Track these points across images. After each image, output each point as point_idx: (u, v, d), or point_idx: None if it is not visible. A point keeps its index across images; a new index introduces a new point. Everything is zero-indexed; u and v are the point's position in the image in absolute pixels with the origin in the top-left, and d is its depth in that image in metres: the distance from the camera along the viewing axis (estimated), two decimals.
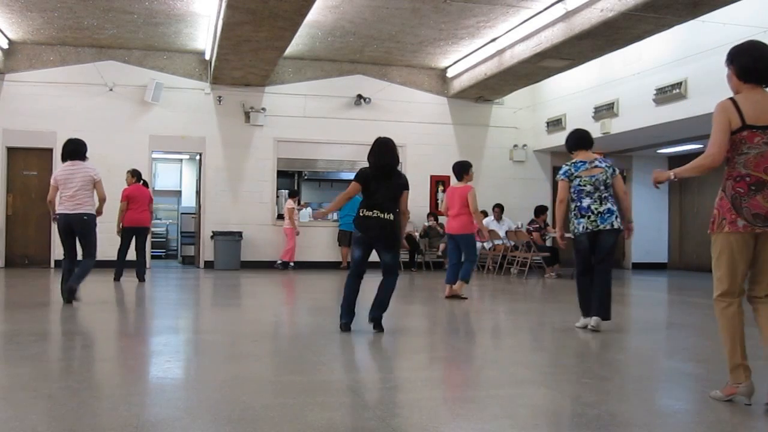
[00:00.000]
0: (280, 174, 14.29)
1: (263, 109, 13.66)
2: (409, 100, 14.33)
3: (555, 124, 14.24)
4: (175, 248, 16.98)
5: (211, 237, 13.23)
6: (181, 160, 17.26)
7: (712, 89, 10.28)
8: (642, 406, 3.68)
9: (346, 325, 5.74)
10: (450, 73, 14.12)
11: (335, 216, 14.23)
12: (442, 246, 13.77)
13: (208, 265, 13.30)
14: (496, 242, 13.27)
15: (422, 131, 14.48)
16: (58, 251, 12.90)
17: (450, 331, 6.87)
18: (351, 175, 15.98)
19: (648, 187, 16.01)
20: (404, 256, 13.99)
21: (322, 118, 13.97)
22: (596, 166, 5.91)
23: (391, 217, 5.58)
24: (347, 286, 5.75)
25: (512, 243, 12.89)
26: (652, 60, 11.43)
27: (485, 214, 13.98)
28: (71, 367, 4.46)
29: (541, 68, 11.65)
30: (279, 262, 13.46)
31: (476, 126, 14.81)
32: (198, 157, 14.08)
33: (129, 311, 7.66)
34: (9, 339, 5.34)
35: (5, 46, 12.27)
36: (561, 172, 6.01)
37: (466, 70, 13.45)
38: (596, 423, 3.27)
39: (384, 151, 5.74)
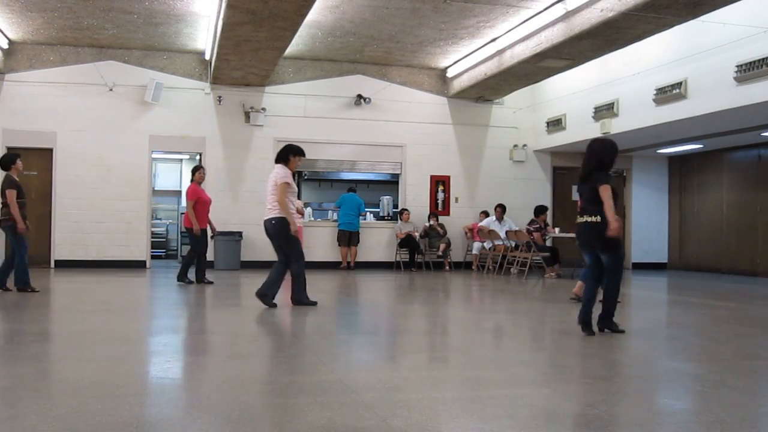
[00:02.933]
0: None
1: (263, 109, 13.66)
2: (409, 100, 14.34)
3: (555, 124, 14.24)
4: (175, 248, 16.97)
5: (211, 237, 13.22)
6: (181, 160, 17.24)
7: (712, 89, 10.30)
8: (642, 406, 3.68)
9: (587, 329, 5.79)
10: (450, 73, 14.12)
11: (335, 216, 14.24)
12: (442, 246, 13.77)
13: (208, 265, 13.24)
14: (497, 242, 13.28)
15: (422, 131, 14.48)
16: (58, 251, 12.99)
17: (449, 331, 6.88)
18: (351, 175, 16.12)
19: (648, 187, 16.04)
20: (404, 256, 13.98)
21: (322, 118, 13.97)
22: None
23: (597, 218, 5.68)
24: (589, 290, 5.86)
25: (512, 243, 12.89)
26: (652, 60, 11.43)
27: (486, 214, 14.00)
28: (71, 367, 4.46)
29: (541, 68, 11.65)
30: None
31: (476, 126, 14.81)
32: (198, 157, 14.07)
33: (129, 311, 7.66)
34: (9, 339, 5.34)
35: (5, 46, 12.26)
36: None
37: (466, 70, 13.45)
38: (596, 423, 3.27)
39: (585, 157, 5.89)
